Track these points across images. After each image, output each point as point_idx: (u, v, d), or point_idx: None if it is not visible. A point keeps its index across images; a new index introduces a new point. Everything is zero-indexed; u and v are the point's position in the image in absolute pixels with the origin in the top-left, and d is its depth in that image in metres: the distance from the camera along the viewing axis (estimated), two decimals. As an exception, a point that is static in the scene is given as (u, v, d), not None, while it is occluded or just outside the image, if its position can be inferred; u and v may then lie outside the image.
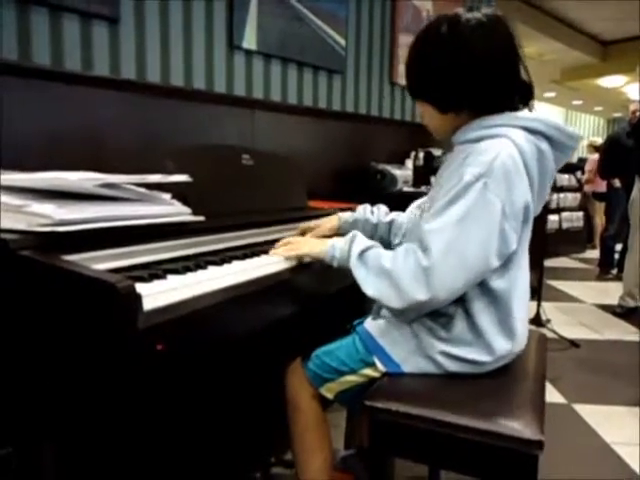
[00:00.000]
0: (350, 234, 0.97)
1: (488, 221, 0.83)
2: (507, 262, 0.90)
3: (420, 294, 0.83)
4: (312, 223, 1.23)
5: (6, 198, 0.76)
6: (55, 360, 0.71)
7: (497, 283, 0.90)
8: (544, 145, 0.90)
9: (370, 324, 1.03)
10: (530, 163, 0.88)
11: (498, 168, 0.83)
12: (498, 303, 0.91)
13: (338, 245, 0.96)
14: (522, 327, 0.96)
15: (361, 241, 0.94)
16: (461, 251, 0.83)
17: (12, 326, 0.72)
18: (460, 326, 0.92)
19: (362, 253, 0.92)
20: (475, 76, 0.88)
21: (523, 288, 0.95)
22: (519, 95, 0.94)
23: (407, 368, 0.96)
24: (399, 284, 0.85)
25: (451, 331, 0.93)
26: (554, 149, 0.91)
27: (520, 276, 0.94)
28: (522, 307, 0.95)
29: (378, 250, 0.92)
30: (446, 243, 0.83)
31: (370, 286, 0.89)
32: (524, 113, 0.92)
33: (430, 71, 0.92)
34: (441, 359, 0.93)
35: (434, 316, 0.95)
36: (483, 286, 0.90)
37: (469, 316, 0.91)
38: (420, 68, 0.94)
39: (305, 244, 1.05)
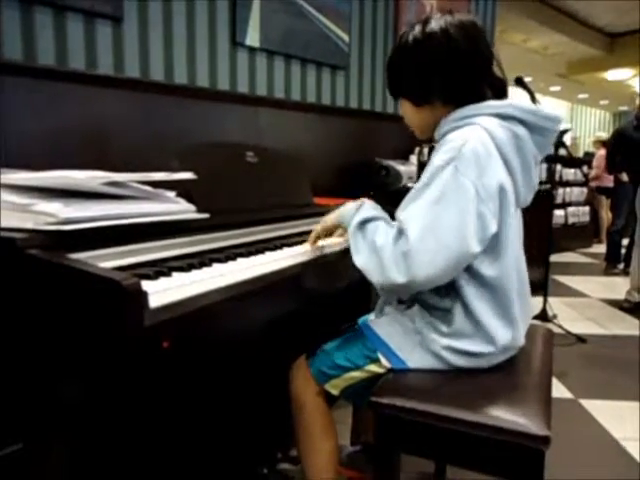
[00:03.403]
0: (359, 201, 0.99)
1: (462, 204, 0.83)
2: (495, 249, 0.90)
3: (399, 277, 0.84)
4: None
5: (13, 197, 0.76)
6: (62, 357, 0.72)
7: (488, 271, 0.90)
8: (520, 129, 0.90)
9: (374, 321, 1.04)
10: (505, 149, 0.88)
11: (467, 152, 0.84)
12: (493, 291, 0.91)
13: (349, 208, 0.99)
14: (521, 315, 0.95)
15: (366, 210, 0.95)
16: (437, 234, 0.83)
17: (20, 324, 0.72)
18: (459, 319, 0.92)
19: (363, 223, 0.93)
20: (444, 69, 0.92)
21: (517, 277, 0.94)
22: (492, 90, 0.95)
23: (412, 364, 0.97)
24: (383, 263, 0.86)
25: (452, 325, 0.93)
26: (532, 133, 0.91)
27: (512, 264, 0.92)
28: (519, 296, 0.94)
29: (379, 223, 0.92)
30: (421, 227, 0.83)
31: (360, 256, 0.91)
32: (496, 101, 0.92)
33: (405, 66, 0.96)
34: (445, 354, 0.93)
35: (435, 311, 0.96)
36: (476, 276, 0.90)
37: (467, 308, 0.91)
38: (398, 65, 0.99)
39: (320, 224, 1.08)
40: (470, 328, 0.92)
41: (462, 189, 0.83)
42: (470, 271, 0.90)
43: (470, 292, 0.91)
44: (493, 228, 0.86)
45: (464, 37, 0.91)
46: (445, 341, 0.93)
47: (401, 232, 0.86)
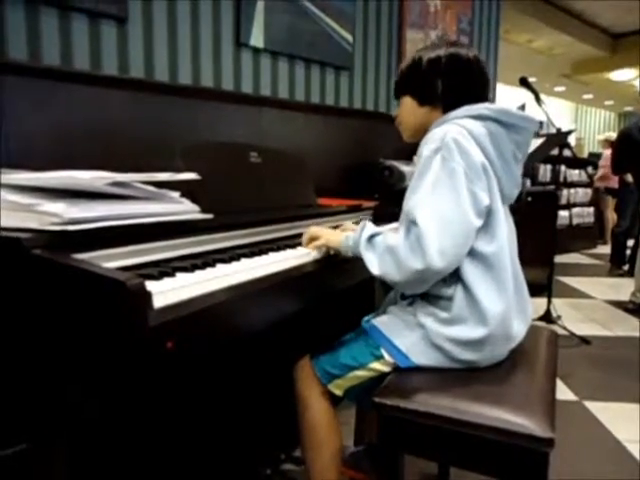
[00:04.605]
0: (361, 223, 1.03)
1: (455, 185, 0.91)
2: (490, 226, 0.96)
3: (417, 263, 0.89)
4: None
5: (17, 197, 0.76)
6: (67, 358, 0.72)
7: (486, 248, 0.96)
8: (495, 127, 0.98)
9: (377, 319, 1.06)
10: (482, 140, 0.96)
11: (449, 141, 0.94)
12: (490, 267, 0.96)
13: (351, 235, 1.03)
14: (517, 306, 0.99)
15: (371, 228, 1.01)
16: (441, 214, 0.90)
17: (25, 324, 0.73)
18: (459, 303, 0.95)
19: (371, 238, 0.98)
20: (455, 83, 1.04)
21: (512, 267, 1.00)
22: None
23: (415, 359, 0.97)
24: (399, 257, 0.91)
25: (451, 311, 0.96)
26: (508, 131, 0.99)
27: (506, 244, 0.98)
28: (516, 290, 1.00)
29: (385, 234, 0.98)
30: (428, 210, 0.90)
31: (375, 265, 0.95)
32: (473, 105, 1.01)
33: (425, 70, 1.06)
34: (447, 346, 0.95)
35: (436, 301, 0.98)
36: (476, 255, 0.95)
37: (467, 289, 0.95)
38: (415, 68, 1.08)
39: (323, 234, 1.09)
40: (469, 311, 0.95)
41: (452, 173, 0.92)
42: (471, 251, 0.95)
43: (471, 272, 0.95)
44: (486, 201, 0.94)
45: (479, 68, 1.06)
46: (446, 331, 0.95)
47: (409, 226, 0.91)
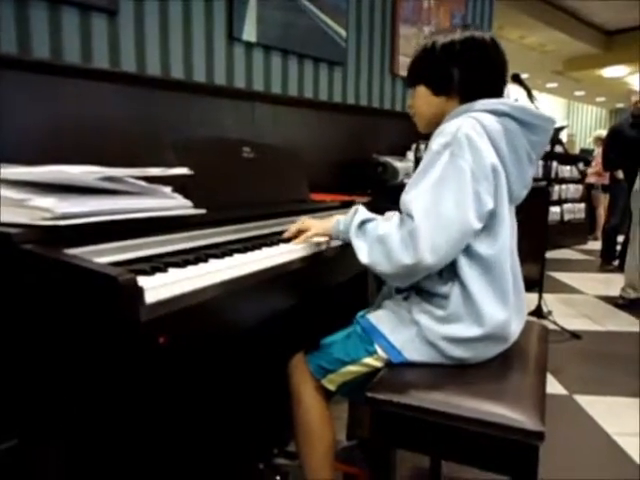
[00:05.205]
0: (353, 207, 1.02)
1: (460, 184, 0.89)
2: (493, 229, 0.94)
3: (407, 258, 0.87)
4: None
5: (8, 192, 0.76)
6: (58, 353, 0.71)
7: (486, 251, 0.94)
8: (512, 125, 0.95)
9: (371, 314, 1.05)
10: (496, 137, 0.93)
11: (461, 137, 0.90)
12: (490, 270, 0.94)
13: (342, 219, 1.02)
14: (515, 306, 0.98)
15: (363, 213, 1.00)
16: (439, 212, 0.88)
17: (16, 320, 0.72)
18: (456, 302, 0.94)
19: (362, 224, 0.97)
20: (472, 68, 1.00)
21: (512, 266, 0.99)
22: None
23: (408, 355, 0.97)
24: (390, 248, 0.89)
25: (447, 308, 0.95)
26: (524, 129, 0.96)
27: (507, 246, 0.97)
28: (514, 287, 0.98)
29: (377, 222, 0.97)
30: (424, 206, 0.88)
31: (364, 253, 0.94)
32: (490, 99, 0.98)
33: (440, 57, 1.01)
34: (441, 344, 0.95)
35: (432, 298, 0.98)
36: (475, 257, 0.94)
37: (465, 290, 0.94)
38: (428, 55, 1.03)
39: (312, 226, 1.09)
40: (465, 310, 0.94)
41: (459, 171, 0.89)
42: (469, 252, 0.94)
43: (469, 273, 0.94)
44: (489, 204, 0.92)
45: (497, 51, 1.01)
46: (441, 329, 0.95)
47: (404, 219, 0.90)
